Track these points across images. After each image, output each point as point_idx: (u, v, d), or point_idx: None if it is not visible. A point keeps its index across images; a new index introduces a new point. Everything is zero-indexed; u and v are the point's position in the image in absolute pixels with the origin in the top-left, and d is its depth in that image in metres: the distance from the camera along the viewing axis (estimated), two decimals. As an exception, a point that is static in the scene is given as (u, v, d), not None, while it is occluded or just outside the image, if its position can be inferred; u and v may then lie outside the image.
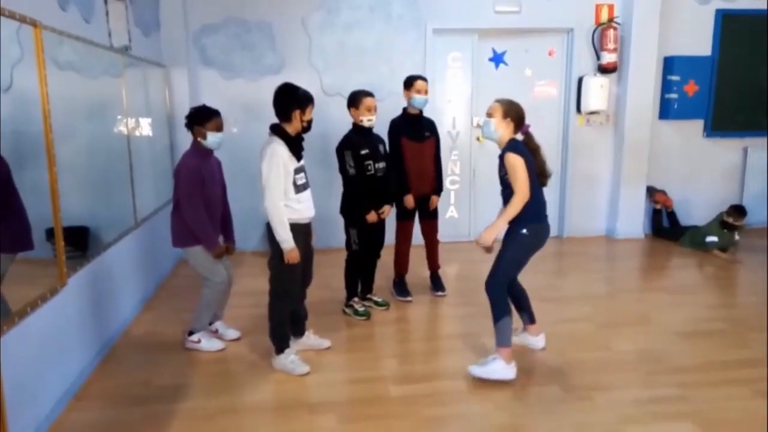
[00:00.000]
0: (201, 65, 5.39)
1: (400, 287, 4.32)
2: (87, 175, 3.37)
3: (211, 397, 2.95)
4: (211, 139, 3.32)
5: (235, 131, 5.40)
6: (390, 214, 3.98)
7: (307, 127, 3.13)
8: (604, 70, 5.73)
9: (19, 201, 2.42)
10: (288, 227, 3.03)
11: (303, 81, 5.42)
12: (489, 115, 3.07)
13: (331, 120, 5.22)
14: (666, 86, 5.93)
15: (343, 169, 3.82)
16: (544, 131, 5.95)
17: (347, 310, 4.03)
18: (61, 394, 2.83)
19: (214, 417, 2.78)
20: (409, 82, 4.04)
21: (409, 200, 4.04)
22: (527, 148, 3.05)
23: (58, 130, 2.80)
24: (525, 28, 5.69)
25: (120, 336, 3.67)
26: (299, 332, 3.45)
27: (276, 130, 3.08)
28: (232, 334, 3.64)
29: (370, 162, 3.80)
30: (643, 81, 5.75)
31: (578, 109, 5.86)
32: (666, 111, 5.97)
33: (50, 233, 2.75)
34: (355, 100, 3.77)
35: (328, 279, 4.43)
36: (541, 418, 2.75)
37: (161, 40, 5.13)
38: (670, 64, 5.87)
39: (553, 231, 6.09)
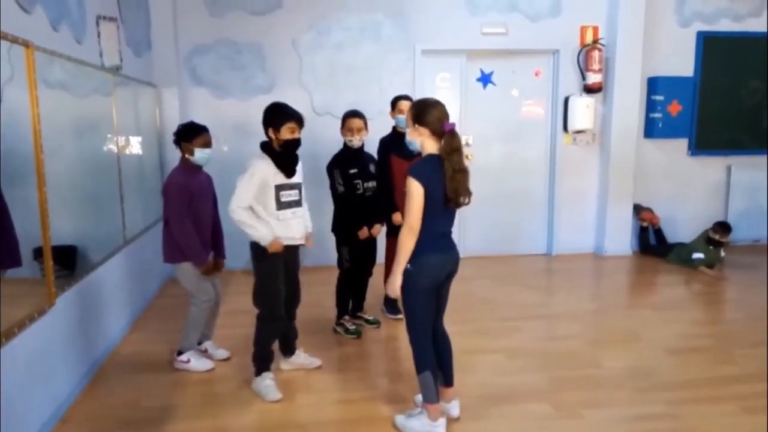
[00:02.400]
0: (192, 85, 5.42)
1: (391, 305, 4.31)
2: (76, 194, 3.36)
3: (199, 419, 2.92)
4: (199, 155, 3.32)
5: (226, 150, 5.42)
6: (381, 232, 4.01)
7: (284, 146, 3.05)
8: (589, 90, 5.84)
9: (9, 217, 2.40)
10: (256, 225, 3.00)
11: (293, 100, 5.46)
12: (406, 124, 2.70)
13: (321, 139, 5.24)
14: (650, 106, 6.05)
15: (332, 188, 3.86)
16: (531, 150, 6.08)
17: (338, 329, 4.02)
18: (48, 416, 2.78)
19: (204, 438, 2.75)
20: (393, 103, 4.11)
21: (398, 218, 4.05)
22: (446, 150, 2.52)
23: (48, 148, 2.80)
24: (512, 50, 5.79)
25: (108, 357, 3.63)
26: (289, 351, 3.43)
27: (262, 146, 3.11)
28: (222, 354, 3.61)
29: (359, 181, 3.83)
30: (628, 101, 5.86)
31: (565, 128, 5.95)
32: (651, 130, 6.08)
33: (38, 252, 2.73)
34: (342, 120, 3.85)
35: (319, 297, 4.41)
36: (532, 437, 2.75)
37: (153, 60, 5.16)
38: (653, 84, 5.99)
39: (542, 248, 6.19)
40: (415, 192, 2.49)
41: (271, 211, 3.05)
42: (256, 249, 3.08)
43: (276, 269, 3.11)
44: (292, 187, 3.12)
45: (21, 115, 2.64)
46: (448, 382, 2.84)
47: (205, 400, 3.11)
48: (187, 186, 3.29)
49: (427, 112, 2.56)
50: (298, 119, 3.06)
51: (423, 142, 2.60)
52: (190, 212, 3.28)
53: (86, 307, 3.36)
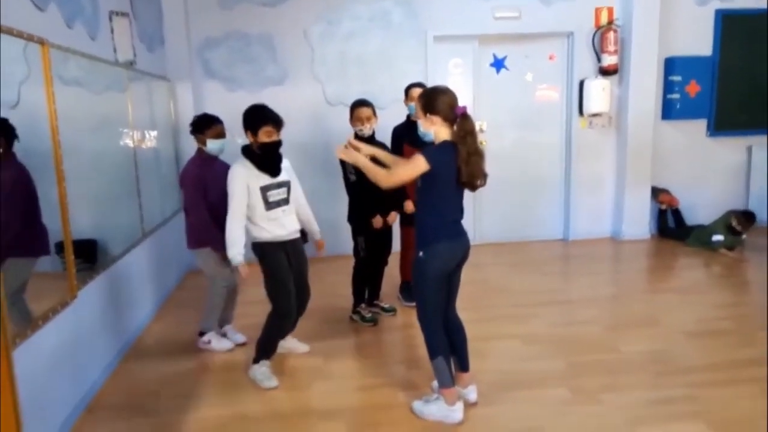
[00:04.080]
0: (204, 78, 5.44)
1: (407, 293, 4.33)
2: (94, 188, 3.41)
3: (221, 406, 2.97)
4: (212, 145, 3.47)
5: (240, 141, 5.44)
6: (396, 220, 4.01)
7: (263, 149, 3.05)
8: (605, 72, 5.75)
9: (39, 207, 2.52)
10: (237, 246, 3.04)
11: (306, 91, 5.54)
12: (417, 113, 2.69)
13: (334, 129, 5.26)
14: (668, 87, 5.94)
15: (345, 177, 3.87)
16: (546, 135, 6.02)
17: (354, 317, 4.05)
18: (73, 406, 2.86)
19: (225, 426, 2.80)
20: (406, 91, 4.09)
21: (409, 206, 4.04)
22: (460, 134, 2.52)
23: (65, 144, 2.85)
24: (525, 33, 5.72)
25: (130, 347, 3.70)
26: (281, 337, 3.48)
27: (243, 150, 3.12)
28: (240, 338, 3.71)
29: (371, 169, 3.83)
30: (645, 82, 5.75)
31: (580, 112, 5.87)
32: (668, 111, 5.97)
33: (59, 246, 2.79)
34: (350, 110, 3.85)
35: (335, 286, 4.45)
36: (551, 422, 2.74)
37: (165, 55, 5.20)
38: (671, 64, 5.88)
39: (559, 234, 6.14)
40: (418, 165, 2.50)
41: (261, 213, 3.08)
42: (257, 249, 3.15)
43: (279, 264, 3.14)
44: (279, 185, 3.14)
45: (38, 113, 2.68)
46: (464, 367, 2.85)
47: (226, 388, 3.16)
48: (202, 175, 3.43)
49: (436, 100, 2.55)
50: (275, 122, 3.05)
51: (436, 131, 2.59)
52: (205, 201, 3.42)
53: (108, 299, 3.43)
